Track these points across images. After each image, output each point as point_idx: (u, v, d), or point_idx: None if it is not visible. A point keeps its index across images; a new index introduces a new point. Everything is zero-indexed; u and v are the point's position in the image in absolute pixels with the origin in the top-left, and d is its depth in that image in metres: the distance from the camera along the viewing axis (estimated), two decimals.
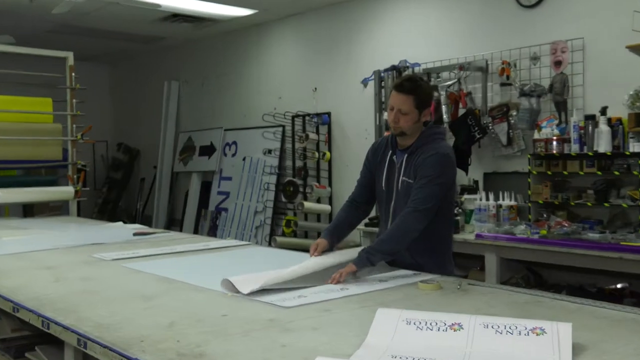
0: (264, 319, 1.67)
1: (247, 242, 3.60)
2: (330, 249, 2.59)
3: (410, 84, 2.49)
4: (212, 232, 7.21)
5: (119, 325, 1.62)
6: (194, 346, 1.42)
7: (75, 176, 5.40)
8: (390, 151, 2.59)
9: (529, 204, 4.23)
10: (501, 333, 1.34)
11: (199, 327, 1.60)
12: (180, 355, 1.36)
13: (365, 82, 5.62)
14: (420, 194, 2.38)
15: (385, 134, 4.85)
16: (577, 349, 1.32)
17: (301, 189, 6.20)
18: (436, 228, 2.46)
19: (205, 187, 7.80)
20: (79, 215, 5.47)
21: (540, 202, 4.17)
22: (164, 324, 1.62)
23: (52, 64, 5.52)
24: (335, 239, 2.66)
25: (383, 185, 2.59)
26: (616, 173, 3.85)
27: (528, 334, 1.32)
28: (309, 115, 6.34)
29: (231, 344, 1.45)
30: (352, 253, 2.38)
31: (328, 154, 6.20)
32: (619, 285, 3.89)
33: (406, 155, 2.51)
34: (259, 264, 2.72)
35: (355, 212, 2.71)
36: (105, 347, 1.44)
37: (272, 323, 1.62)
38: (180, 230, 7.36)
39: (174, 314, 1.74)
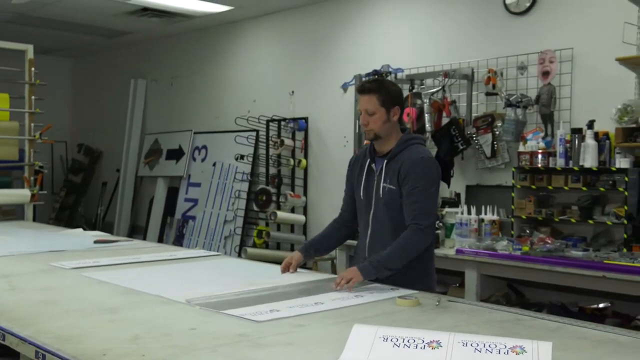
0: (234, 333, 1.69)
1: (216, 253, 3.60)
2: (304, 264, 2.67)
3: (371, 84, 2.64)
4: (178, 242, 7.18)
5: (80, 338, 1.63)
6: None
7: (32, 178, 5.34)
8: (369, 159, 2.69)
9: (512, 219, 4.31)
10: (480, 351, 1.38)
11: (165, 341, 1.61)
12: None
13: (345, 87, 5.67)
14: (418, 209, 2.50)
15: (365, 142, 4.91)
16: None
17: (274, 198, 6.22)
18: None
19: (172, 194, 7.76)
20: (34, 220, 5.41)
21: (524, 217, 4.25)
22: (128, 337, 1.63)
23: (10, 57, 5.47)
24: (312, 254, 2.81)
25: (362, 194, 2.69)
26: (601, 189, 3.95)
27: (507, 353, 1.37)
28: (284, 120, 6.37)
29: (200, 359, 1.46)
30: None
31: (304, 161, 6.24)
32: (601, 305, 3.98)
33: (385, 162, 2.62)
34: (228, 276, 2.74)
35: (341, 229, 2.84)
36: None
37: (242, 338, 1.64)
38: (144, 239, 7.31)
39: (138, 327, 1.75)
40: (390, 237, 2.56)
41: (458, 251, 4.06)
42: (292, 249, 6.32)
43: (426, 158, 2.58)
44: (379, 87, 2.62)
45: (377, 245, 2.61)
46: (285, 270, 2.69)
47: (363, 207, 2.70)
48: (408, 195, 2.52)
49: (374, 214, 2.64)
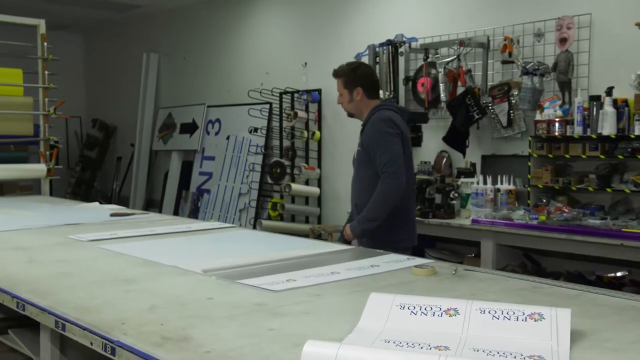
0: (251, 303, 1.69)
1: (232, 225, 3.61)
2: (319, 235, 3.07)
3: (337, 69, 3.24)
4: (193, 215, 7.22)
5: (99, 308, 1.64)
6: (179, 329, 1.44)
7: (47, 153, 5.37)
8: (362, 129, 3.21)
9: (529, 189, 4.29)
10: (498, 318, 1.37)
11: (183, 311, 1.62)
12: (165, 338, 1.38)
13: (358, 58, 5.62)
14: (382, 161, 2.99)
15: None
16: (576, 336, 1.36)
17: (288, 171, 6.22)
18: None
19: (186, 167, 7.79)
20: (51, 195, 5.45)
21: (540, 186, 4.22)
22: (146, 307, 1.64)
23: (22, 32, 5.46)
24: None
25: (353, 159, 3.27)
26: (620, 157, 3.90)
27: (526, 320, 1.36)
28: (298, 92, 6.34)
29: (217, 328, 1.47)
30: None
31: (318, 133, 6.22)
32: (618, 274, 3.96)
33: (362, 128, 3.17)
34: (244, 247, 2.75)
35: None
36: (85, 329, 1.46)
37: (259, 307, 1.65)
38: (160, 212, 7.36)
39: (156, 297, 1.76)
40: (362, 196, 3.10)
41: (474, 221, 4.05)
42: (307, 221, 6.34)
43: (383, 117, 3.04)
44: (342, 71, 3.21)
45: (353, 202, 3.19)
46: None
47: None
48: (374, 153, 3.02)
49: (353, 175, 3.22)
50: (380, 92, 5.25)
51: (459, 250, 4.77)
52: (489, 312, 1.39)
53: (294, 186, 5.93)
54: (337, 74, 3.23)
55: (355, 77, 3.18)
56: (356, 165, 3.18)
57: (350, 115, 3.25)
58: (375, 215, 3.00)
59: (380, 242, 2.89)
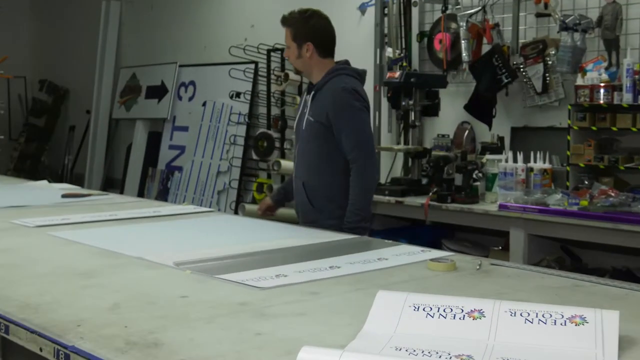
0: (233, 302, 1.69)
1: (209, 209, 3.62)
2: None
3: (286, 16, 3.23)
4: (162, 197, 7.22)
5: (50, 306, 1.64)
6: (146, 333, 1.43)
7: None
8: (306, 93, 3.29)
9: (567, 168, 4.29)
10: (532, 322, 1.37)
11: (151, 311, 1.62)
12: (130, 344, 1.38)
13: (363, 9, 5.59)
14: (350, 144, 3.08)
15: (389, 75, 4.87)
16: (624, 343, 1.35)
17: (277, 144, 6.21)
18: (338, 176, 3.14)
19: (154, 140, 7.77)
20: None
21: (582, 165, 4.23)
22: (106, 306, 1.64)
23: None
24: (282, 199, 3.51)
25: (294, 128, 3.32)
26: None
27: (565, 324, 1.36)
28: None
29: (193, 332, 1.47)
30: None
31: None
32: None
33: (312, 93, 3.19)
34: (224, 236, 2.75)
35: None
36: (33, 332, 1.46)
37: (243, 307, 1.65)
38: (121, 193, 7.36)
39: (118, 294, 1.76)
40: (312, 172, 3.19)
41: (501, 206, 4.06)
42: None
43: (347, 88, 3.10)
44: (292, 19, 3.22)
45: (298, 180, 3.25)
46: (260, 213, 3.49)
47: (295, 141, 3.32)
48: (338, 132, 3.09)
49: (299, 148, 3.25)
50: (389, 50, 5.25)
51: (484, 242, 4.78)
52: (521, 315, 1.39)
53: (284, 163, 5.91)
54: (285, 21, 3.24)
55: (307, 28, 3.21)
56: (304, 138, 3.22)
57: (298, 72, 3.37)
58: (368, 212, 3.15)
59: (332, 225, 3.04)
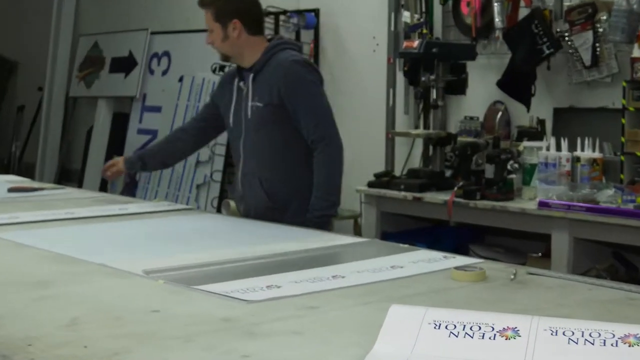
0: (215, 318, 1.70)
1: (186, 207, 3.62)
2: (129, 173, 3.58)
3: None
4: (129, 192, 7.21)
5: None
6: (110, 354, 1.44)
7: None
8: (237, 78, 3.37)
9: (622, 158, 4.29)
10: (577, 342, 1.37)
11: (116, 328, 1.62)
12: None
13: None
14: (309, 122, 3.22)
15: (405, 44, 4.87)
16: None
17: None
18: (300, 166, 3.27)
19: (120, 122, 7.78)
20: None
21: (638, 154, 4.22)
22: (63, 321, 1.64)
23: None
24: (138, 166, 3.75)
25: (231, 121, 3.38)
26: None
27: (616, 344, 1.36)
28: (284, 13, 6.32)
29: (166, 354, 1.47)
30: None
31: None
32: None
33: (252, 76, 3.29)
34: (204, 238, 2.76)
35: (182, 139, 3.63)
36: None
37: (228, 324, 1.65)
38: (80, 187, 7.36)
39: (78, 307, 1.76)
40: (267, 165, 3.29)
41: (541, 204, 4.06)
42: None
43: (298, 60, 3.28)
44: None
45: (250, 177, 3.33)
46: (104, 174, 3.71)
47: (234, 135, 3.40)
48: (295, 111, 3.22)
49: (245, 141, 3.33)
50: (407, 14, 5.25)
51: (520, 247, 4.78)
52: (564, 333, 1.39)
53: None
54: (202, 2, 3.35)
55: (230, 4, 3.33)
56: (251, 127, 3.31)
57: (226, 58, 3.45)
58: (337, 197, 3.31)
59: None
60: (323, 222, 3.18)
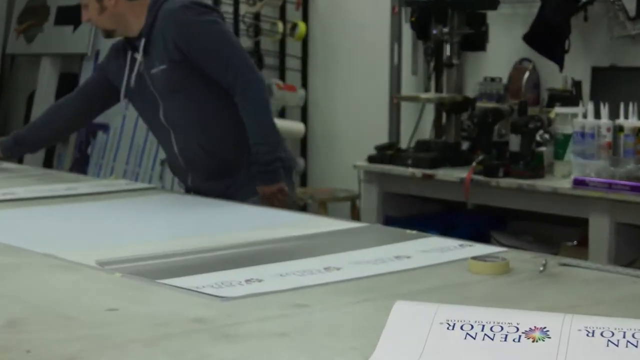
0: (185, 318, 1.70)
1: (148, 185, 3.62)
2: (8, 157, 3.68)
3: None
4: (80, 168, 7.22)
5: None
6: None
7: None
8: (129, 50, 3.45)
9: None
10: (617, 344, 1.38)
11: (66, 330, 1.62)
12: None
13: None
14: (220, 67, 3.31)
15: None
16: None
17: None
18: (230, 118, 3.38)
19: (68, 85, 7.73)
20: None
21: None
22: (2, 321, 1.65)
23: None
24: (15, 149, 3.80)
25: (131, 98, 3.51)
26: None
27: None
28: None
29: (126, 359, 1.49)
30: None
31: (303, 26, 6.19)
32: None
33: (144, 41, 3.36)
34: (170, 224, 2.78)
35: (65, 114, 3.77)
36: None
37: (200, 325, 1.65)
38: (20, 163, 7.33)
39: (19, 306, 1.77)
40: (198, 129, 3.40)
41: (577, 182, 4.07)
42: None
43: (185, 4, 3.31)
44: None
45: (190, 146, 3.42)
46: None
47: (150, 115, 3.52)
48: (202, 61, 3.32)
49: (165, 113, 3.42)
50: None
51: (551, 234, 4.80)
52: (602, 334, 1.40)
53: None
54: None
55: None
56: (167, 95, 3.39)
57: (109, 34, 3.49)
58: (276, 138, 3.44)
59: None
60: (276, 168, 3.33)
